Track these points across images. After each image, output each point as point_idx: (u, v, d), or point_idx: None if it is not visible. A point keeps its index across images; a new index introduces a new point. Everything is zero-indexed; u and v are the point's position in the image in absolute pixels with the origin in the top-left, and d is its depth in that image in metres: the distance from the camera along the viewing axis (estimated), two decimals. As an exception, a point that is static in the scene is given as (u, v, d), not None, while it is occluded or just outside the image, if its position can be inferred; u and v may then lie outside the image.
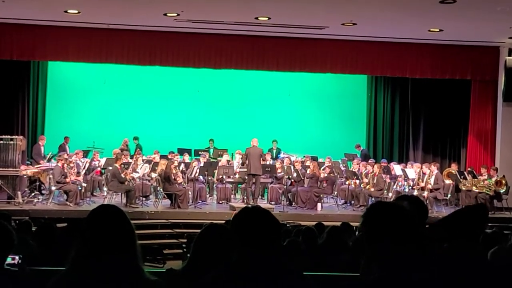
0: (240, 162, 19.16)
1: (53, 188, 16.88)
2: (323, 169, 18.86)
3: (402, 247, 2.90)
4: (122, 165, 17.29)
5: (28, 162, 18.39)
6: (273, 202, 18.30)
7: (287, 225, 13.65)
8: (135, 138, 21.53)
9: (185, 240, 14.62)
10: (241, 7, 16.05)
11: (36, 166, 17.93)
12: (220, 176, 18.50)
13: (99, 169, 18.81)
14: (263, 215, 3.33)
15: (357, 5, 15.33)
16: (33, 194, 17.08)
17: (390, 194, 18.05)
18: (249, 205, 3.69)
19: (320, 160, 20.14)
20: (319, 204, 17.93)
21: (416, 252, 2.94)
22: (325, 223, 10.63)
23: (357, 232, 9.54)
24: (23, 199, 16.64)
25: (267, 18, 17.27)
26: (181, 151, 20.23)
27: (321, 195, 18.19)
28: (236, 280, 3.20)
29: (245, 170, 18.19)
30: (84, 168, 18.03)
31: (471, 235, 4.23)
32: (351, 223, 10.63)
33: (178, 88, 23.41)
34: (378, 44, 20.04)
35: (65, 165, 16.85)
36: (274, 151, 21.67)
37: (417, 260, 2.94)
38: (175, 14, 17.03)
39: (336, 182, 18.89)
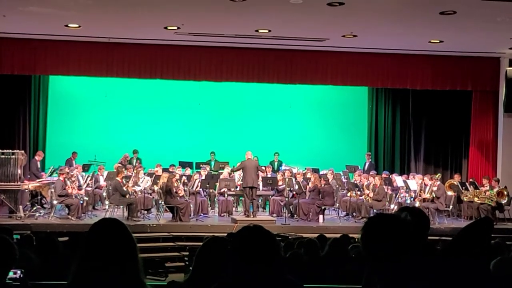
0: (241, 175, 19.08)
1: (55, 202, 16.85)
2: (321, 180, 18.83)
3: (402, 259, 2.89)
4: (124, 179, 17.30)
5: (29, 177, 18.37)
6: (274, 215, 18.29)
7: (289, 238, 13.64)
8: (135, 152, 21.51)
9: (187, 253, 14.61)
10: (242, 19, 16.08)
11: (37, 180, 17.92)
12: (222, 190, 18.49)
13: (104, 183, 18.78)
14: (262, 235, 3.33)
15: (358, 17, 15.36)
16: (34, 208, 17.09)
17: (392, 206, 18.03)
18: (251, 225, 3.65)
19: (322, 172, 20.12)
20: (320, 216, 17.90)
21: (417, 264, 2.94)
22: (327, 235, 10.61)
23: (359, 244, 9.51)
24: (25, 213, 16.64)
25: (267, 31, 17.31)
26: (183, 164, 20.21)
27: (322, 207, 18.17)
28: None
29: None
30: (85, 182, 18.04)
31: (479, 248, 4.23)
32: (353, 235, 10.61)
33: (179, 101, 23.41)
34: (379, 55, 20.07)
35: (66, 179, 16.86)
36: (276, 163, 21.65)
37: (417, 272, 2.94)
38: (176, 28, 17.08)
39: (336, 194, 18.87)
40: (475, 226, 4.36)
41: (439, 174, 19.34)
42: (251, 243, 3.25)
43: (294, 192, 18.54)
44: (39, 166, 19.20)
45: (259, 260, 3.20)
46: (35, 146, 21.41)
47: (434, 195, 17.82)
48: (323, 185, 18.43)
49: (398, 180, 19.40)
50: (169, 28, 17.09)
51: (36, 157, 19.36)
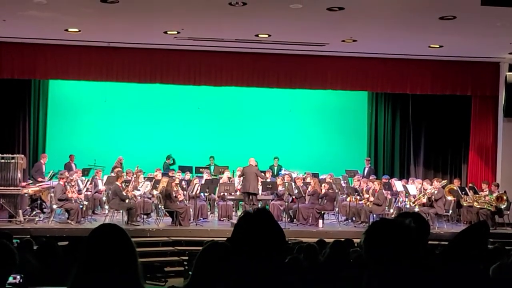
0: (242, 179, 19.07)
1: (55, 206, 16.84)
2: (323, 186, 18.81)
3: (403, 264, 2.90)
4: (123, 183, 17.30)
5: (30, 181, 18.36)
6: (274, 219, 18.23)
7: (289, 242, 13.63)
8: (168, 158, 21.52)
9: (186, 258, 14.61)
10: (242, 24, 16.08)
11: (37, 185, 17.92)
12: (222, 194, 18.48)
13: (104, 188, 18.77)
14: (266, 218, 3.32)
15: (357, 21, 15.36)
16: (34, 212, 17.08)
17: (392, 210, 18.02)
18: (254, 208, 3.63)
19: (322, 176, 20.10)
20: (320, 221, 17.89)
21: (417, 269, 2.94)
22: (327, 240, 10.62)
23: (358, 249, 9.51)
24: (25, 217, 16.62)
25: (267, 35, 17.32)
26: (182, 169, 20.23)
27: (322, 212, 18.15)
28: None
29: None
30: (85, 186, 18.03)
31: (475, 252, 4.24)
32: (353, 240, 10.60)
33: (179, 106, 23.41)
34: (379, 60, 20.07)
35: (66, 183, 16.84)
36: (275, 168, 21.63)
37: (418, 277, 2.94)
38: (176, 32, 17.08)
39: (336, 199, 18.85)
40: (471, 230, 4.38)
41: (445, 181, 19.30)
42: (256, 224, 3.23)
43: (293, 197, 18.52)
44: (43, 169, 19.19)
45: (266, 242, 3.19)
46: (35, 151, 21.42)
47: (433, 199, 17.80)
48: (326, 190, 18.40)
49: (398, 184, 19.38)
50: (169, 32, 17.09)
51: (41, 160, 19.41)
